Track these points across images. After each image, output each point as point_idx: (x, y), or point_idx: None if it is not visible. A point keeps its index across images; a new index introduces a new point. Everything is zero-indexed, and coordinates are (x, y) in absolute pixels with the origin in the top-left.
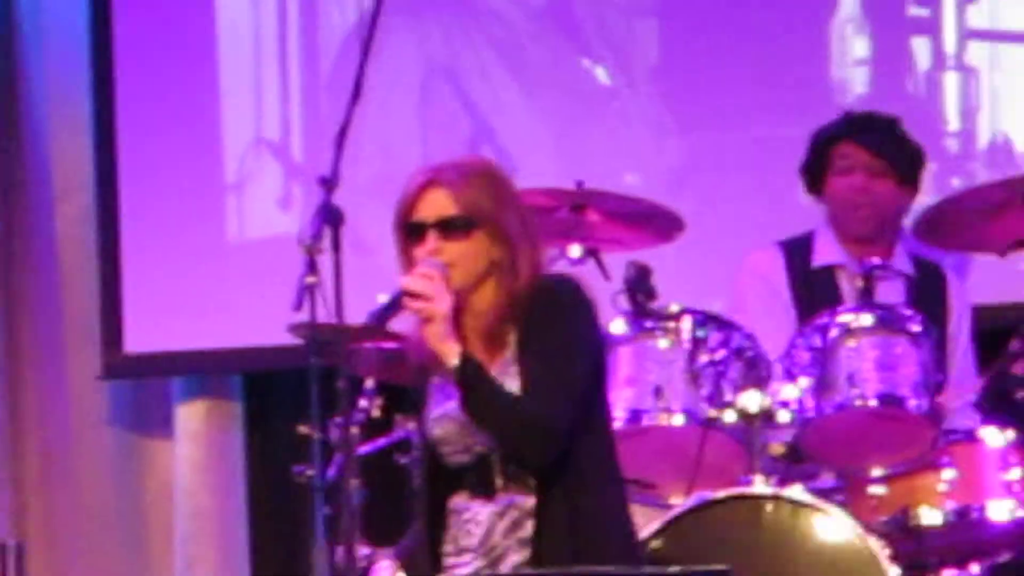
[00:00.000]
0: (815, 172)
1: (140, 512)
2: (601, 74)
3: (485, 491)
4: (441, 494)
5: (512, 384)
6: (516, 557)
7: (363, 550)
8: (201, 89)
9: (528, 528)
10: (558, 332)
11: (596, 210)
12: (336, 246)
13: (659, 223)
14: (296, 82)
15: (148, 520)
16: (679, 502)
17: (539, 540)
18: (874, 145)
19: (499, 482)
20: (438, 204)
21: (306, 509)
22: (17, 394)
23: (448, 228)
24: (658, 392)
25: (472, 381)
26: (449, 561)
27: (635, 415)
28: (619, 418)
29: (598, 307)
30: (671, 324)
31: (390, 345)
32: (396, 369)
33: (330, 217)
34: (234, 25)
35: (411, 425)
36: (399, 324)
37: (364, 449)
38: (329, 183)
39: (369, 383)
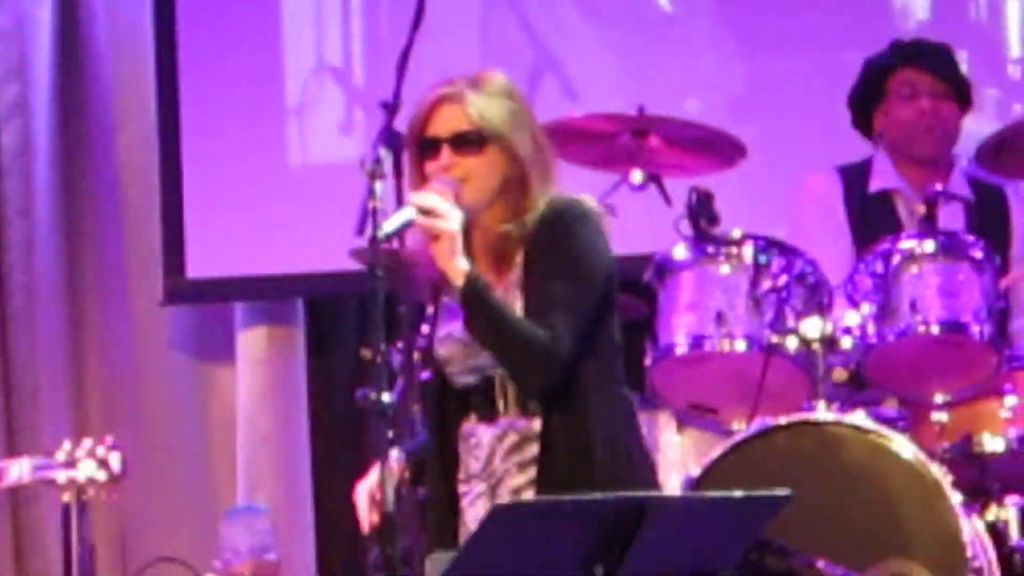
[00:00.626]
0: (867, 103)
1: (203, 437)
2: (663, 0)
3: (488, 414)
4: (451, 418)
5: (517, 305)
6: (517, 480)
7: None
8: (263, 14)
9: (528, 451)
10: (564, 254)
11: (658, 136)
12: (398, 171)
13: (721, 149)
14: (358, 6)
15: (211, 445)
16: (741, 428)
17: (540, 464)
18: (937, 69)
19: (500, 404)
20: (452, 119)
21: (368, 433)
22: (80, 320)
23: (461, 143)
24: (720, 318)
25: (476, 300)
26: (461, 488)
27: (697, 341)
28: (681, 344)
29: (608, 230)
30: (733, 250)
31: None
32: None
33: (392, 142)
34: None
35: None
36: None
37: (426, 374)
38: (391, 108)
39: (431, 308)
